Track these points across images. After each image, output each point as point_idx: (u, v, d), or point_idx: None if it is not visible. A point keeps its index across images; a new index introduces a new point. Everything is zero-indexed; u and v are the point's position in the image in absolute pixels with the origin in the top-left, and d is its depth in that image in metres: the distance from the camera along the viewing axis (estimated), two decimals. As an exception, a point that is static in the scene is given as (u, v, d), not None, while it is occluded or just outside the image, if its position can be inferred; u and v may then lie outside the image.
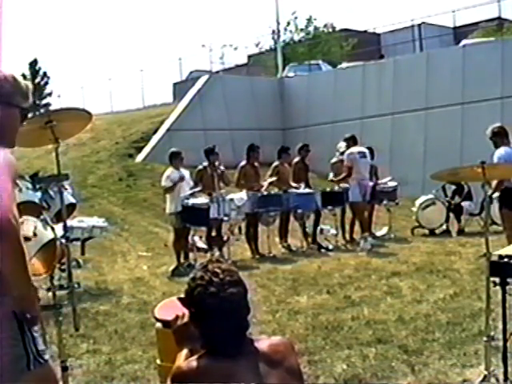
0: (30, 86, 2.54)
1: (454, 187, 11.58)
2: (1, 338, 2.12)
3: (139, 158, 19.74)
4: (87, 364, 4.86)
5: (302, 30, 36.12)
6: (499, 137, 7.14)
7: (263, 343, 2.14)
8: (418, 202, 11.72)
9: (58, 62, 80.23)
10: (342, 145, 10.70)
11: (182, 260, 9.04)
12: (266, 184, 10.06)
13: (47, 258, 3.95)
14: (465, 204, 11.43)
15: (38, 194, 5.48)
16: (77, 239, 8.37)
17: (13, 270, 2.15)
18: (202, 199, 9.07)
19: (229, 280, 2.10)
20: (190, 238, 9.17)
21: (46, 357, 2.29)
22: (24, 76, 38.09)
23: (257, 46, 35.77)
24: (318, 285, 7.28)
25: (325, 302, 6.43)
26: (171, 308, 2.57)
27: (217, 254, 9.07)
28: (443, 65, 19.21)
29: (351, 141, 10.39)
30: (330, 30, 36.43)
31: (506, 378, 3.66)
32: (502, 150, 6.97)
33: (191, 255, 9.02)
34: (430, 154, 18.46)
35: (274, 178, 10.13)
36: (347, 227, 10.84)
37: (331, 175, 10.99)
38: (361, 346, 4.90)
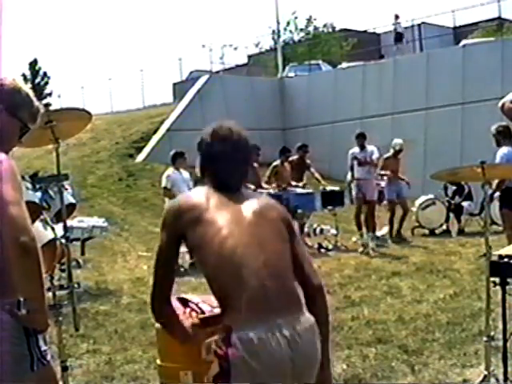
0: (41, 108, 2.51)
1: (454, 187, 11.59)
2: (1, 337, 2.12)
3: (139, 158, 19.72)
4: (87, 364, 4.85)
5: (301, 30, 36.15)
6: (503, 136, 7.11)
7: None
8: (417, 202, 11.72)
9: (58, 62, 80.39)
10: (398, 142, 10.78)
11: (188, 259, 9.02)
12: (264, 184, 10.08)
13: (47, 258, 3.94)
14: (465, 204, 11.43)
15: (38, 194, 5.47)
16: (77, 239, 8.36)
17: (29, 287, 2.14)
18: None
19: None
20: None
21: (48, 357, 2.30)
22: (24, 76, 38.22)
23: (257, 46, 35.84)
24: (318, 285, 7.26)
25: (325, 302, 6.42)
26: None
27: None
28: (443, 65, 19.20)
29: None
30: (330, 29, 36.42)
31: (505, 378, 3.66)
32: (504, 150, 6.94)
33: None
34: (429, 154, 18.45)
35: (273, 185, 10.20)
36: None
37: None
38: (361, 345, 4.90)
